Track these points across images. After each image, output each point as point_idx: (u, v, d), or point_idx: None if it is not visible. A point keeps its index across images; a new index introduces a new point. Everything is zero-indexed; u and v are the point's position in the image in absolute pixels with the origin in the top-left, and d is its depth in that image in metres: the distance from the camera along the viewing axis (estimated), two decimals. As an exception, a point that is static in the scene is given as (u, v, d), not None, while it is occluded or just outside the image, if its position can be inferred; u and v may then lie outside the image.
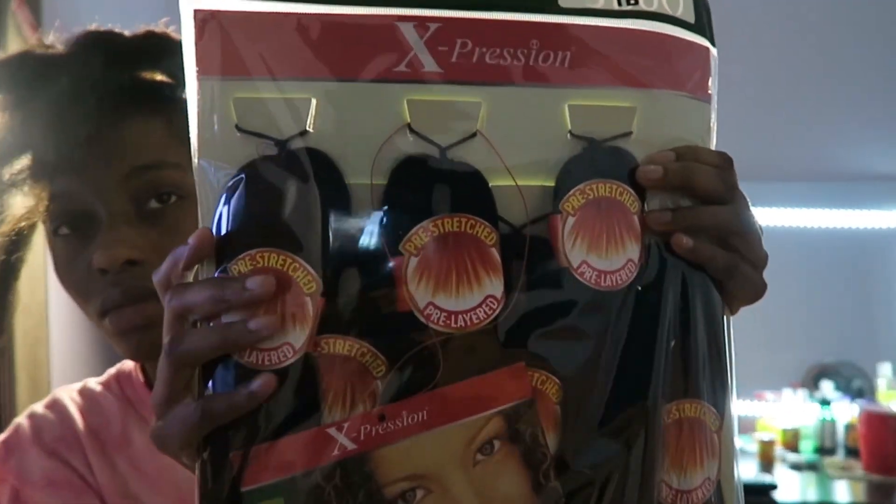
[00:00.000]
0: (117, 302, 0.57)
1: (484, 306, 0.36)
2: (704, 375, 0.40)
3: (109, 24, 0.63)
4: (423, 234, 0.36)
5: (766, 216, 2.56)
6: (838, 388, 2.47)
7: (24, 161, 0.60)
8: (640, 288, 0.39)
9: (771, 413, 2.47)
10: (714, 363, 0.41)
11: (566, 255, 0.38)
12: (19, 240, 0.64)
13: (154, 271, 0.39)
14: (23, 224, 0.63)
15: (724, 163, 0.41)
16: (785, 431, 2.39)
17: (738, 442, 0.42)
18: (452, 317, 0.36)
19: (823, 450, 2.37)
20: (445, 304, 0.36)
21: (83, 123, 0.56)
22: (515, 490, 0.36)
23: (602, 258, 0.38)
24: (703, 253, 0.39)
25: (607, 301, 0.38)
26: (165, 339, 0.37)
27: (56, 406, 0.67)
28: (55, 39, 0.63)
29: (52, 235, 0.60)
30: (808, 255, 2.52)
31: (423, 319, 0.36)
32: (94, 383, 0.69)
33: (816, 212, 2.57)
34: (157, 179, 0.58)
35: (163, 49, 0.61)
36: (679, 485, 0.38)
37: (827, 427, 2.37)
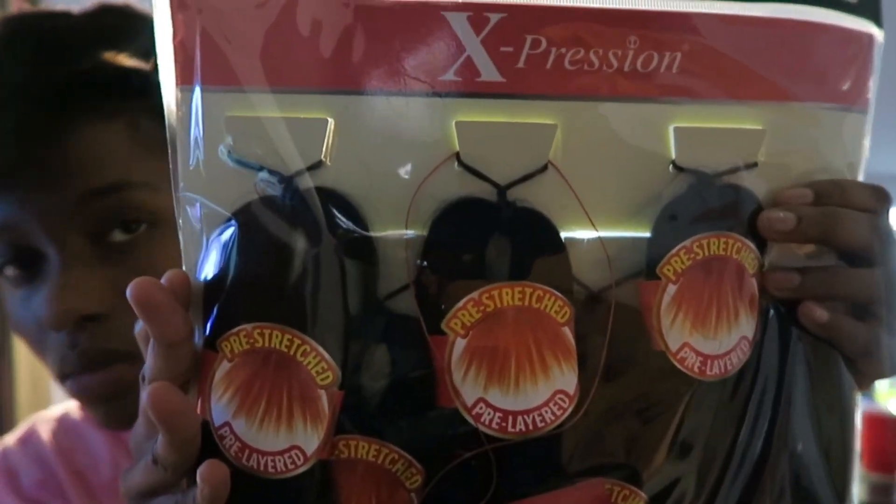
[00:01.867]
0: (76, 368, 0.46)
1: (552, 405, 0.27)
2: (831, 484, 0.31)
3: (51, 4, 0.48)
4: (473, 308, 0.27)
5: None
6: (838, 387, 2.38)
7: None
8: (754, 374, 0.29)
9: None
10: (841, 471, 0.31)
11: (663, 336, 0.28)
12: None
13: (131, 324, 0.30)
14: None
15: (878, 205, 0.30)
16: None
17: None
18: (510, 418, 0.27)
19: (822, 450, 2.29)
20: (501, 402, 0.27)
21: (12, 137, 0.43)
22: None
23: (709, 339, 0.29)
24: (840, 330, 0.30)
25: (711, 394, 0.29)
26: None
27: (32, 441, 0.57)
28: None
29: None
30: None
31: (471, 420, 0.27)
32: (77, 411, 0.59)
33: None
34: (120, 204, 0.45)
35: (122, 28, 0.47)
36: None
37: (826, 427, 2.29)
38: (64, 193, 0.44)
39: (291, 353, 0.27)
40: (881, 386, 2.28)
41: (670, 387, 0.28)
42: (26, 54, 0.45)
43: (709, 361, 0.28)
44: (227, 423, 0.27)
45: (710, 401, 0.29)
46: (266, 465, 0.27)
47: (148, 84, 0.43)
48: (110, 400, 0.47)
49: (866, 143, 0.32)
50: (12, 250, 0.46)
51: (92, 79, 0.45)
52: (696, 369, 0.28)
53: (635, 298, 0.29)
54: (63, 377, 0.47)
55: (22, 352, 1.48)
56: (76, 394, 0.48)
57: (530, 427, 0.27)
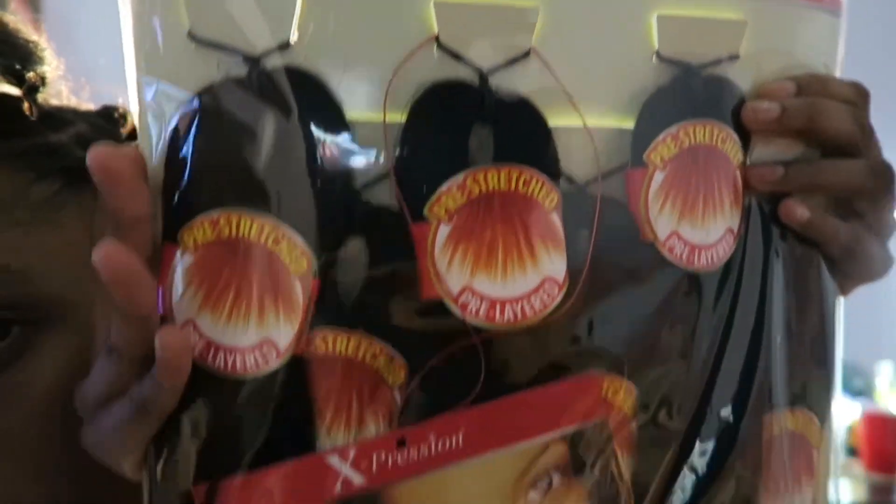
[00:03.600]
0: None
1: (541, 293, 0.26)
2: (811, 380, 0.31)
3: None
4: (458, 192, 0.26)
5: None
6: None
7: None
8: (739, 268, 0.29)
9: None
10: (822, 368, 0.31)
11: (651, 225, 0.27)
12: None
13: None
14: None
15: (859, 98, 0.31)
16: (784, 432, 2.33)
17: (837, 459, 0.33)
18: (498, 307, 0.26)
19: (823, 451, 2.31)
20: (488, 290, 0.26)
21: None
22: None
23: (697, 228, 0.28)
24: (821, 229, 0.30)
25: (700, 285, 0.28)
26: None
27: None
28: None
29: None
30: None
31: (456, 310, 0.26)
32: None
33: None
34: None
35: None
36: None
37: (827, 427, 2.32)
38: None
39: (262, 241, 0.25)
40: (881, 386, 2.32)
41: (658, 278, 0.27)
42: None
43: (697, 251, 0.28)
44: (190, 321, 0.25)
45: (697, 291, 0.28)
46: (235, 362, 0.25)
47: (6, 118, 0.32)
48: None
49: (841, 49, 0.32)
50: None
51: None
52: (684, 258, 0.27)
53: (621, 192, 0.28)
54: None
55: None
56: None
57: (519, 316, 0.26)
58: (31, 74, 0.33)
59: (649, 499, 0.27)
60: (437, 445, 0.26)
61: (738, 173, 0.29)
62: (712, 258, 0.28)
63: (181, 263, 0.25)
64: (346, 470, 0.26)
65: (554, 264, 0.26)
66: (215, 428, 0.25)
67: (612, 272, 0.27)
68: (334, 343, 0.26)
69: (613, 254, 0.27)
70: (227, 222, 0.25)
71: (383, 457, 0.26)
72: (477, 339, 0.26)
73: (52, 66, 0.36)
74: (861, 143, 0.30)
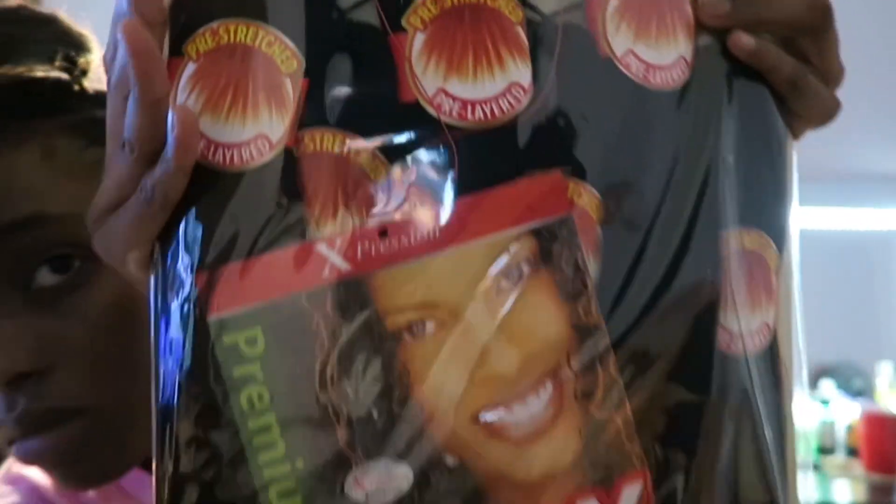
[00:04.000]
0: (18, 433, 0.40)
1: (508, 96, 0.29)
2: (764, 203, 0.33)
3: None
4: (431, 4, 0.29)
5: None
6: (838, 388, 2.45)
7: None
8: (693, 96, 0.32)
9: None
10: (774, 194, 0.34)
11: (608, 42, 0.30)
12: None
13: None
14: None
15: None
16: (784, 432, 2.34)
17: (797, 293, 0.35)
18: (469, 107, 0.29)
19: (823, 450, 2.35)
20: (460, 91, 0.29)
21: None
22: (548, 323, 0.29)
23: (651, 48, 0.31)
24: (766, 59, 0.32)
25: (657, 103, 0.31)
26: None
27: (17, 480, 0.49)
28: None
29: None
30: (809, 254, 2.47)
31: (431, 110, 0.29)
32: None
33: (816, 211, 2.54)
34: (42, 240, 0.38)
35: (18, 36, 0.40)
36: (733, 327, 0.32)
37: (827, 427, 2.35)
38: None
39: (256, 44, 0.28)
40: (881, 386, 2.34)
41: (615, 90, 0.30)
42: None
43: (652, 70, 0.31)
44: None
45: (654, 108, 0.31)
46: (233, 156, 0.28)
47: (63, 96, 0.39)
48: (65, 464, 0.41)
49: None
50: None
51: (15, 90, 0.38)
52: (640, 75, 0.30)
53: (582, 20, 0.31)
54: (7, 442, 0.41)
55: None
56: (23, 460, 0.42)
57: (488, 116, 0.29)
58: (81, 61, 0.42)
59: (612, 298, 0.30)
60: (415, 236, 0.29)
61: (688, 7, 0.32)
62: (667, 79, 0.31)
63: (185, 73, 0.28)
64: (333, 257, 0.28)
65: (520, 71, 0.29)
66: (212, 221, 0.29)
67: (576, 87, 0.30)
68: (322, 141, 0.29)
69: (576, 71, 0.30)
70: (226, 31, 0.28)
71: (367, 245, 0.28)
72: (451, 137, 0.29)
73: (97, 55, 0.43)
74: None
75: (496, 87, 0.29)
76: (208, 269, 0.28)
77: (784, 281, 0.34)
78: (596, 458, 0.29)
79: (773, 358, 0.33)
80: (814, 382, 2.49)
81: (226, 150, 0.28)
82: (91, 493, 0.48)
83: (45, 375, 0.39)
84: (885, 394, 2.38)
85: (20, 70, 0.39)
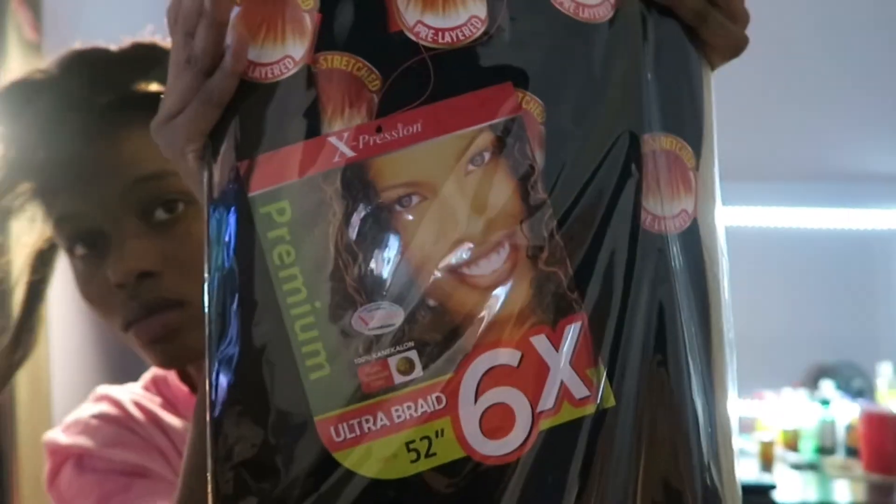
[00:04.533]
0: (138, 315, 0.59)
1: (469, 25, 0.39)
2: (680, 115, 0.41)
3: (97, 42, 0.65)
4: None
5: (766, 216, 2.57)
6: (838, 388, 2.46)
7: (24, 187, 0.62)
8: (616, 27, 0.40)
9: (771, 413, 2.45)
10: (689, 108, 0.42)
11: None
12: (40, 263, 0.66)
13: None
14: (41, 247, 0.66)
15: None
16: (785, 431, 2.38)
17: (716, 186, 0.43)
18: (440, 33, 0.39)
19: (823, 450, 2.35)
20: (433, 22, 0.39)
21: (70, 143, 0.59)
22: (505, 197, 0.38)
23: None
24: None
25: (587, 32, 0.40)
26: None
27: (112, 401, 0.69)
28: (51, 62, 0.64)
29: (71, 257, 0.62)
30: (809, 255, 2.53)
31: (412, 37, 0.38)
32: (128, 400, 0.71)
33: (816, 212, 2.58)
34: (161, 189, 0.59)
35: (152, 59, 0.62)
36: (656, 210, 0.39)
37: (827, 427, 2.36)
38: (116, 183, 0.59)
39: None
40: (881, 386, 2.37)
41: (553, 21, 0.39)
42: (79, 81, 0.61)
43: (581, 7, 0.40)
44: None
45: (584, 34, 0.40)
46: (266, 73, 0.38)
47: None
48: (164, 341, 0.60)
49: None
50: (80, 233, 0.61)
51: (131, 99, 0.61)
52: (571, 10, 0.39)
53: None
54: (127, 325, 0.60)
55: None
56: (139, 337, 0.60)
57: (455, 39, 0.39)
58: None
59: (553, 179, 0.38)
60: (403, 131, 0.38)
61: None
62: (594, 14, 0.40)
63: (232, 13, 0.38)
64: (341, 147, 0.38)
65: (477, 6, 0.39)
66: (251, 121, 0.38)
67: (521, 19, 0.39)
68: (332, 61, 0.38)
69: (521, 6, 0.39)
70: None
71: (367, 138, 0.38)
72: (427, 56, 0.38)
73: None
74: None
75: (460, 18, 0.39)
76: (248, 157, 0.38)
77: (703, 180, 0.41)
78: (544, 303, 0.37)
79: (693, 238, 0.40)
80: (814, 382, 2.50)
81: (261, 69, 0.38)
82: (160, 403, 0.68)
83: (158, 275, 0.58)
84: (885, 394, 2.39)
85: (147, 83, 0.62)
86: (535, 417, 0.36)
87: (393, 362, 0.37)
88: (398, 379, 0.36)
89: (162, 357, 0.61)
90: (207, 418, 0.37)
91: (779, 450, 2.33)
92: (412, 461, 0.36)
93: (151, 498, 0.61)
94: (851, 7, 2.34)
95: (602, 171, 0.38)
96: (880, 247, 2.58)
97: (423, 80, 0.38)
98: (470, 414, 0.36)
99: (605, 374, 0.37)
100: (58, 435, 0.67)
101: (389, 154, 0.38)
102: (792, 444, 2.36)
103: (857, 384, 2.51)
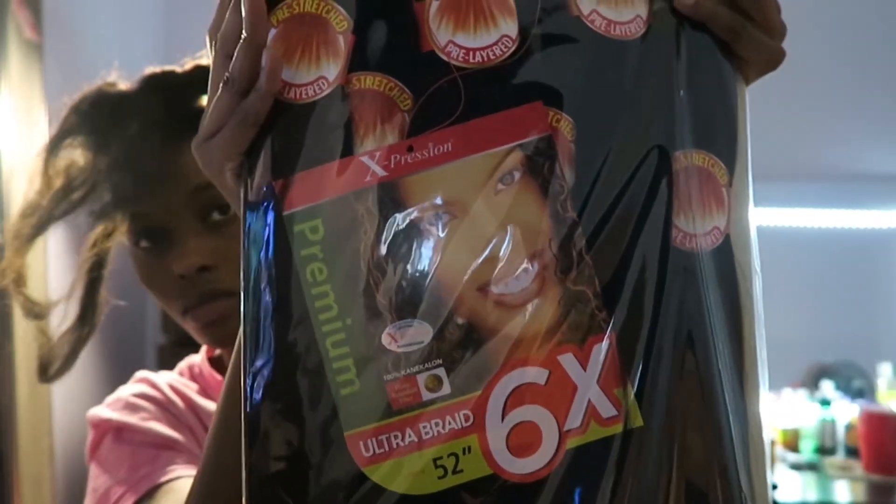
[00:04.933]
0: (195, 302, 0.68)
1: (500, 44, 0.39)
2: (713, 131, 0.41)
3: (165, 66, 0.73)
4: None
5: (766, 216, 2.58)
6: (838, 388, 2.47)
7: (105, 195, 0.70)
8: (649, 44, 0.40)
9: (771, 413, 2.45)
10: (723, 124, 0.42)
11: (576, 4, 0.40)
12: (103, 257, 0.75)
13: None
14: (107, 244, 0.75)
15: None
16: (785, 431, 2.39)
17: (750, 202, 0.43)
18: (470, 53, 0.39)
19: (823, 450, 2.36)
20: (464, 42, 0.39)
21: (151, 158, 0.68)
22: (534, 217, 0.38)
23: (612, 9, 0.40)
24: (704, 9, 0.40)
25: (618, 49, 0.40)
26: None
27: (150, 382, 0.77)
28: (117, 78, 0.73)
29: (134, 248, 0.71)
30: (809, 255, 2.54)
31: (443, 56, 0.39)
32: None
33: (816, 212, 2.59)
34: (216, 195, 0.63)
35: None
36: (687, 227, 0.39)
37: (827, 427, 2.37)
38: (180, 190, 0.67)
39: (319, 12, 0.39)
40: (881, 386, 2.38)
41: (585, 41, 0.40)
42: (159, 102, 0.69)
43: (612, 25, 0.40)
44: None
45: (616, 54, 0.40)
46: (301, 93, 0.39)
47: None
48: (217, 325, 0.68)
49: None
50: (146, 229, 0.70)
51: (193, 115, 0.64)
52: (602, 28, 0.40)
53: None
54: (185, 310, 0.69)
55: (22, 351, 1.52)
56: (196, 321, 0.69)
57: (486, 59, 0.39)
58: None
59: (583, 198, 0.38)
60: (434, 150, 0.38)
61: None
62: (626, 31, 0.40)
63: (270, 36, 0.39)
64: (373, 166, 0.38)
65: (508, 26, 0.39)
66: (286, 140, 0.38)
67: (552, 38, 0.39)
68: (364, 81, 0.39)
69: (551, 26, 0.39)
70: (298, 3, 0.39)
71: (398, 157, 0.38)
72: (458, 75, 0.39)
73: None
74: None
75: (491, 38, 0.39)
76: (283, 176, 0.38)
77: (737, 196, 0.41)
78: (572, 322, 0.37)
79: (725, 255, 0.40)
80: (814, 382, 2.52)
81: (296, 89, 0.39)
82: (196, 390, 0.75)
83: (213, 270, 0.67)
84: (885, 394, 2.40)
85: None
86: (563, 436, 0.36)
87: (421, 379, 0.37)
88: (426, 396, 0.37)
89: (214, 338, 0.70)
90: (243, 430, 0.37)
91: (779, 450, 2.34)
92: (440, 477, 0.36)
93: (175, 465, 0.67)
94: (854, 7, 2.35)
95: (631, 189, 0.39)
96: (880, 247, 2.59)
97: (454, 100, 0.38)
98: (497, 431, 0.37)
99: (633, 393, 0.37)
100: (101, 410, 0.74)
101: (420, 173, 0.38)
102: (792, 444, 2.37)
103: (857, 384, 2.52)
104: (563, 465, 0.36)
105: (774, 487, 2.00)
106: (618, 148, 0.39)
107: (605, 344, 0.37)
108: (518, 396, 0.37)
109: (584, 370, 0.37)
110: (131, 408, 0.72)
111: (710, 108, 0.41)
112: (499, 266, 0.38)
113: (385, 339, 0.37)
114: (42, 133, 1.62)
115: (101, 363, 1.98)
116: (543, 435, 0.36)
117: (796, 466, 2.25)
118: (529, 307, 0.38)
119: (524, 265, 0.38)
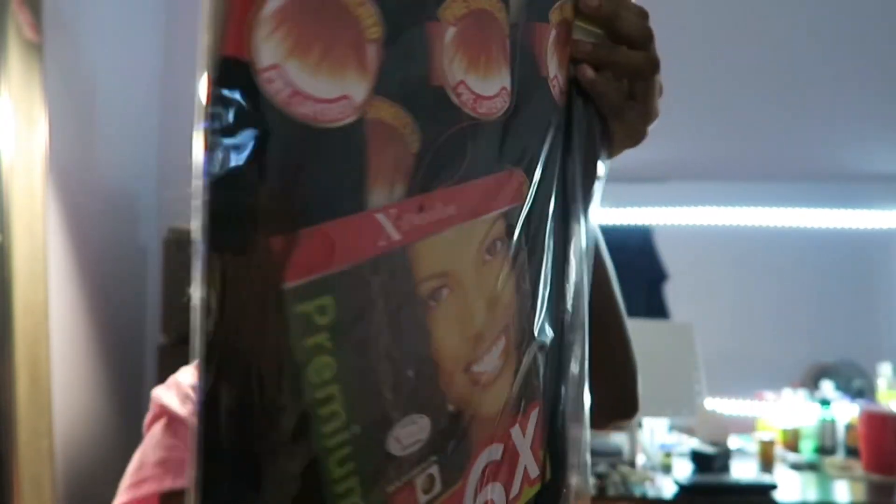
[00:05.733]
0: None
1: (499, 98, 0.37)
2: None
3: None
4: (461, 3, 0.34)
5: (765, 216, 2.57)
6: (838, 388, 2.47)
7: None
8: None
9: (771, 413, 2.46)
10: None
11: (546, 64, 0.40)
12: None
13: None
14: None
15: (644, 13, 0.44)
16: (785, 431, 2.39)
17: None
18: (479, 101, 0.35)
19: (823, 450, 2.37)
20: (475, 86, 0.35)
21: None
22: (508, 290, 0.37)
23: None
24: (599, 86, 0.43)
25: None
26: None
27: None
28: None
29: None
30: (808, 255, 2.53)
31: (454, 98, 0.34)
32: None
33: (816, 212, 2.58)
34: None
35: None
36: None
37: (827, 427, 2.37)
38: None
39: (348, 2, 0.29)
40: (881, 386, 2.39)
41: (547, 104, 0.39)
42: None
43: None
44: (276, 66, 0.26)
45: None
46: (317, 112, 0.27)
47: None
48: None
49: None
50: None
51: None
52: (558, 95, 0.39)
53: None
54: None
55: (22, 351, 1.51)
56: None
57: (489, 111, 0.36)
58: None
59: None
60: (440, 212, 0.33)
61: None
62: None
63: (270, 5, 0.26)
64: (388, 227, 0.30)
65: (503, 77, 0.36)
66: (290, 190, 0.27)
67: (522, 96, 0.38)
68: (380, 109, 0.30)
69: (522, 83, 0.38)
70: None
71: (410, 218, 0.32)
72: (467, 125, 0.34)
73: None
74: (645, 42, 0.43)
75: (495, 87, 0.36)
76: (284, 231, 0.27)
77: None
78: (520, 393, 0.37)
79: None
80: (814, 382, 2.51)
81: (314, 104, 0.27)
82: None
83: None
84: (885, 394, 2.39)
85: None
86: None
87: (419, 482, 0.32)
88: (422, 500, 0.33)
89: None
90: None
91: (779, 450, 2.34)
92: None
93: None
94: (851, 7, 2.33)
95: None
96: (880, 247, 2.58)
97: (460, 153, 0.35)
98: None
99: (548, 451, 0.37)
100: (163, 392, 0.72)
101: (426, 240, 0.33)
102: (792, 444, 2.37)
103: (857, 384, 2.52)
104: None
105: (773, 487, 2.00)
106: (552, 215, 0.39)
107: (537, 409, 0.38)
108: (484, 478, 0.36)
109: (524, 436, 0.37)
110: (183, 399, 0.70)
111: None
112: (482, 343, 0.35)
113: (391, 445, 0.31)
114: (42, 133, 1.62)
115: (101, 363, 1.98)
116: None
117: (796, 466, 2.25)
118: (497, 383, 0.36)
119: (495, 341, 0.36)
